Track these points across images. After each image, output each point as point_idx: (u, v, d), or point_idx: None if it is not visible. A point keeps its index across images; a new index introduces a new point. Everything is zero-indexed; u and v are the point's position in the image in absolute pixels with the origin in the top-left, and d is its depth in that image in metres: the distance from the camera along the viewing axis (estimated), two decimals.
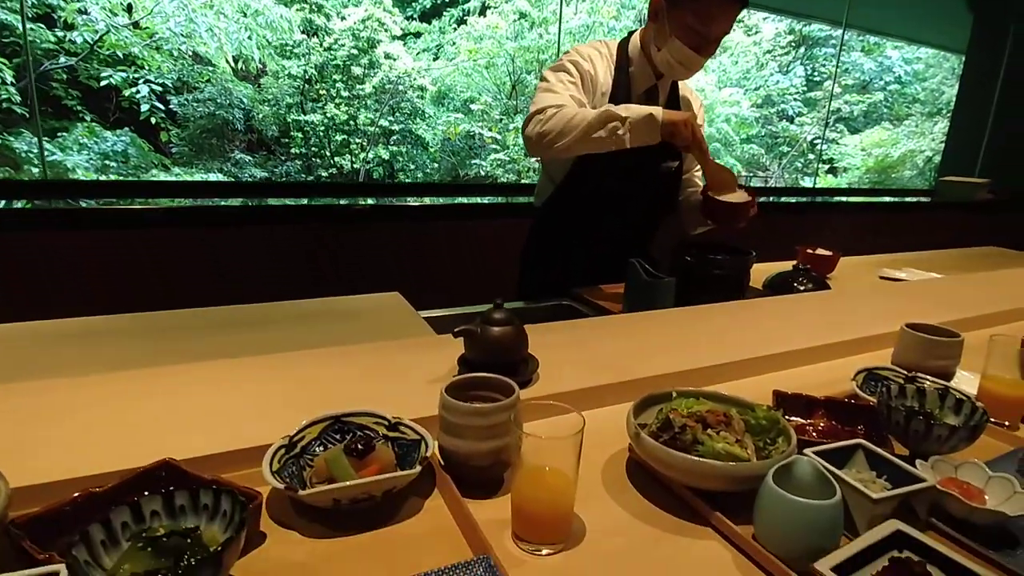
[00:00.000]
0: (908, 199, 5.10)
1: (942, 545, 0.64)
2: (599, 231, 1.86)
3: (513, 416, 0.74)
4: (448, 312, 1.61)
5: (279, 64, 4.19)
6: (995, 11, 5.03)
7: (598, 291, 1.80)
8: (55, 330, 1.32)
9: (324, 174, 4.53)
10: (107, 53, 3.55)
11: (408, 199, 3.08)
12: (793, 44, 6.57)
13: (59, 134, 3.60)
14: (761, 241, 1.89)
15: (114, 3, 3.48)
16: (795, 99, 6.65)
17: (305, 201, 2.77)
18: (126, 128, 3.76)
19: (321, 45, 4.22)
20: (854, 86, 6.95)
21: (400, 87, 4.57)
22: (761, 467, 0.71)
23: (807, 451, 0.76)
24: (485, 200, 3.20)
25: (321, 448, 0.79)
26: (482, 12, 4.77)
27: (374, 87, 4.45)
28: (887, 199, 5.03)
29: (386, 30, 4.37)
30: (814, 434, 0.94)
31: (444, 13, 4.72)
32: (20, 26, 2.98)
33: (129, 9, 3.52)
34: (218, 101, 4.04)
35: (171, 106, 3.87)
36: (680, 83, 1.81)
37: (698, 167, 1.92)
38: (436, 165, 4.99)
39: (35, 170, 3.30)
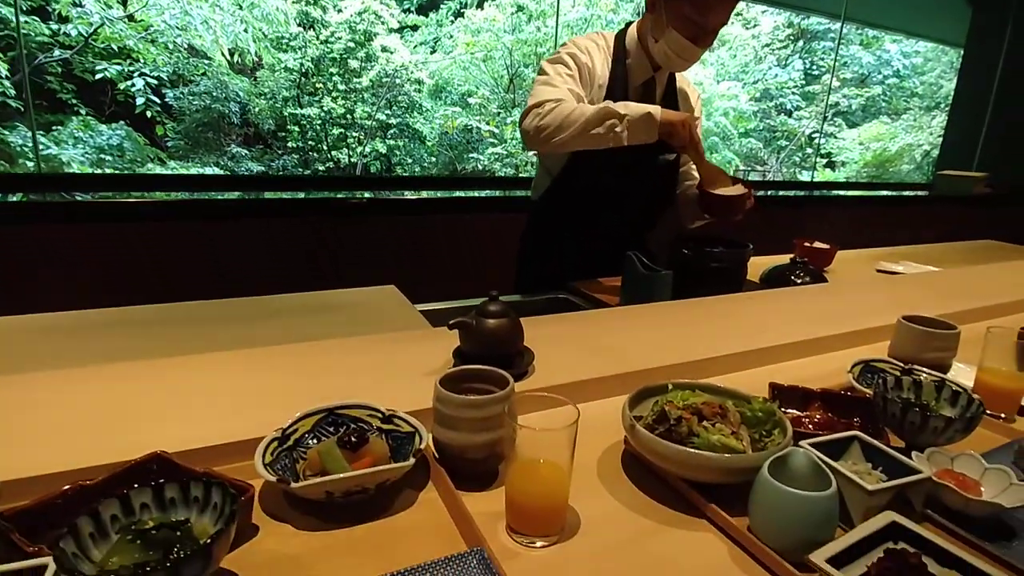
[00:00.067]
0: (906, 193, 5.10)
1: (938, 537, 0.64)
2: (596, 226, 1.85)
3: (507, 408, 0.74)
4: (444, 305, 1.61)
5: (275, 57, 4.16)
6: (994, 4, 5.02)
7: (595, 284, 1.80)
8: (49, 323, 1.31)
9: (321, 168, 4.51)
10: (102, 46, 3.52)
11: (405, 192, 3.07)
12: (792, 37, 6.55)
13: (54, 128, 3.57)
14: (759, 234, 1.89)
15: None
16: (793, 93, 6.64)
17: (302, 194, 2.76)
18: (121, 122, 3.74)
19: (317, 38, 4.20)
20: (852, 80, 6.93)
21: (397, 80, 4.55)
22: (756, 459, 0.71)
23: (803, 443, 0.76)
24: (483, 194, 3.19)
25: (314, 441, 0.78)
26: (479, 5, 4.75)
27: (371, 80, 4.43)
28: (885, 193, 5.03)
29: (383, 23, 4.35)
30: (810, 426, 0.94)
31: (441, 6, 4.70)
32: (14, 19, 2.96)
33: (124, 1, 3.50)
34: (214, 94, 4.02)
35: (167, 99, 3.85)
36: (678, 75, 1.80)
37: None
38: (433, 159, 4.97)
39: (30, 164, 3.29)
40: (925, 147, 7.08)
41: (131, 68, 3.61)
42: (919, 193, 5.15)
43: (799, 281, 1.85)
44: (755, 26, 6.42)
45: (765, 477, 0.67)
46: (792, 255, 2.00)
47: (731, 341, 1.25)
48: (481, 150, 5.02)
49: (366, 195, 2.80)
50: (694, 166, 1.90)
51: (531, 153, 4.68)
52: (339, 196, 2.74)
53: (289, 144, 4.40)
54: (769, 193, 4.25)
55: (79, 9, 3.36)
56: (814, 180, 6.50)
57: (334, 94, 4.37)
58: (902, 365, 1.11)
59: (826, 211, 4.20)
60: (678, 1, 1.53)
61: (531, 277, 1.93)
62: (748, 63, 6.48)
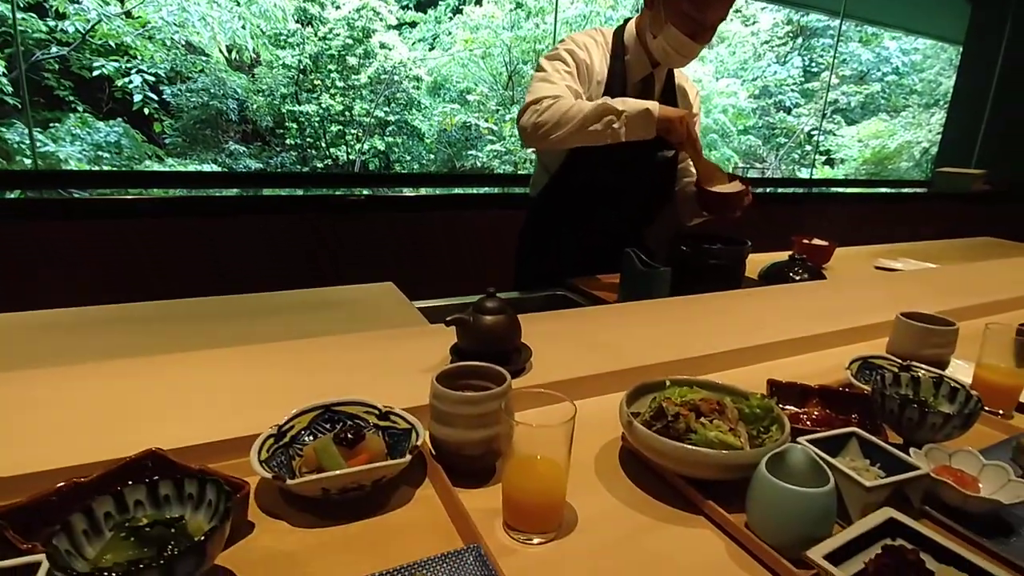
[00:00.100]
0: (904, 190, 5.10)
1: (936, 533, 0.64)
2: (594, 222, 1.85)
3: (504, 404, 0.73)
4: (442, 302, 1.60)
5: (273, 54, 4.15)
6: (993, 1, 5.01)
7: (593, 281, 1.80)
8: (46, 320, 1.30)
9: (320, 165, 4.50)
10: (99, 43, 3.51)
11: (404, 190, 3.06)
12: (791, 34, 6.55)
13: (51, 125, 3.56)
14: (758, 232, 1.88)
15: None
16: (792, 90, 6.63)
17: (301, 192, 2.75)
18: (119, 119, 3.73)
19: (316, 34, 4.19)
20: (851, 77, 6.93)
21: (396, 77, 4.54)
22: (754, 455, 0.71)
23: (801, 439, 0.75)
24: (481, 190, 3.18)
25: (311, 438, 0.78)
26: (478, 2, 4.74)
27: (369, 77, 4.42)
28: (883, 190, 5.03)
29: (381, 19, 4.34)
30: (808, 422, 0.94)
31: (440, 2, 4.69)
32: (11, 16, 2.94)
33: None
34: (212, 91, 4.01)
35: (164, 96, 3.84)
36: (676, 72, 1.79)
37: None
38: (432, 156, 4.96)
39: (27, 161, 3.28)
40: (924, 144, 7.08)
41: (128, 65, 3.60)
42: (918, 190, 5.15)
43: (797, 278, 1.85)
44: (754, 23, 6.42)
45: (763, 473, 0.67)
46: (791, 252, 2.00)
47: (729, 338, 1.24)
48: (480, 147, 5.01)
49: (365, 192, 2.80)
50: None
51: (529, 150, 4.68)
52: (338, 193, 2.74)
53: (287, 141, 4.39)
54: (768, 190, 4.25)
55: (76, 6, 3.35)
56: (813, 177, 6.50)
57: (332, 91, 4.36)
58: (900, 361, 1.11)
59: (825, 208, 4.20)
60: None
61: (530, 274, 1.93)
62: (747, 60, 6.48)
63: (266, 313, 1.43)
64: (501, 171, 4.99)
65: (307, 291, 1.57)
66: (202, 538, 0.49)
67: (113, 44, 3.54)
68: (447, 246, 2.80)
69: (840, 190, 4.86)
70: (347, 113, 4.47)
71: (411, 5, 4.60)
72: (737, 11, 6.09)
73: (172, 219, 2.29)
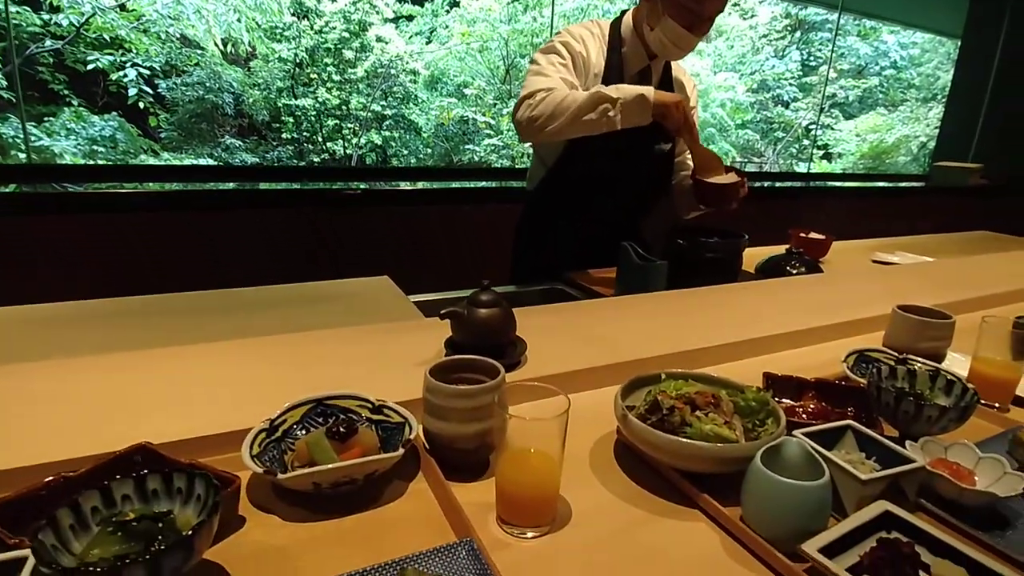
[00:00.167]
0: (902, 184, 5.10)
1: (931, 526, 0.64)
2: (590, 213, 1.84)
3: (498, 398, 0.73)
4: (438, 296, 1.60)
5: (269, 47, 4.13)
6: None
7: (590, 275, 1.79)
8: (40, 314, 1.30)
9: (316, 160, 4.48)
10: (94, 36, 3.48)
11: (401, 183, 3.05)
12: (789, 28, 6.52)
13: (46, 119, 3.54)
14: (755, 225, 1.88)
15: None
16: (790, 84, 6.62)
17: (297, 185, 2.74)
18: (114, 113, 3.70)
19: (312, 28, 4.16)
20: (849, 71, 6.91)
21: (392, 71, 4.52)
22: (749, 448, 0.70)
23: (796, 432, 0.75)
24: (479, 185, 3.17)
25: (303, 432, 0.78)
26: None
27: (366, 71, 4.39)
28: (881, 184, 5.02)
29: (378, 12, 4.31)
30: (804, 416, 0.93)
31: None
32: (4, 9, 2.92)
33: None
34: (207, 85, 3.98)
35: (159, 90, 3.81)
36: (673, 64, 1.78)
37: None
38: (429, 151, 4.94)
39: (22, 156, 3.26)
40: (921, 138, 7.07)
41: (123, 58, 3.57)
42: (915, 184, 5.14)
43: (794, 272, 1.85)
44: (752, 16, 6.39)
45: (758, 467, 0.67)
46: (788, 246, 2.00)
47: (726, 331, 1.24)
48: (477, 141, 4.99)
49: (361, 186, 2.78)
50: (689, 156, 1.90)
51: (527, 145, 4.67)
52: (335, 187, 2.73)
53: (284, 135, 4.37)
54: (766, 185, 4.25)
55: None
56: (811, 172, 6.49)
57: (328, 85, 4.34)
58: (896, 355, 1.10)
59: (822, 202, 4.19)
60: None
61: (526, 268, 1.92)
62: (745, 54, 6.45)
63: (261, 307, 1.42)
64: (498, 165, 4.97)
65: (302, 285, 1.56)
66: (189, 532, 0.49)
67: (108, 37, 3.51)
68: (444, 240, 2.79)
69: (837, 184, 4.86)
70: (344, 107, 4.44)
71: None
72: (735, 5, 6.07)
73: (168, 213, 2.27)
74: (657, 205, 1.97)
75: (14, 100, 3.19)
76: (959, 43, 5.37)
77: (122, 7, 3.51)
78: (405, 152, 4.80)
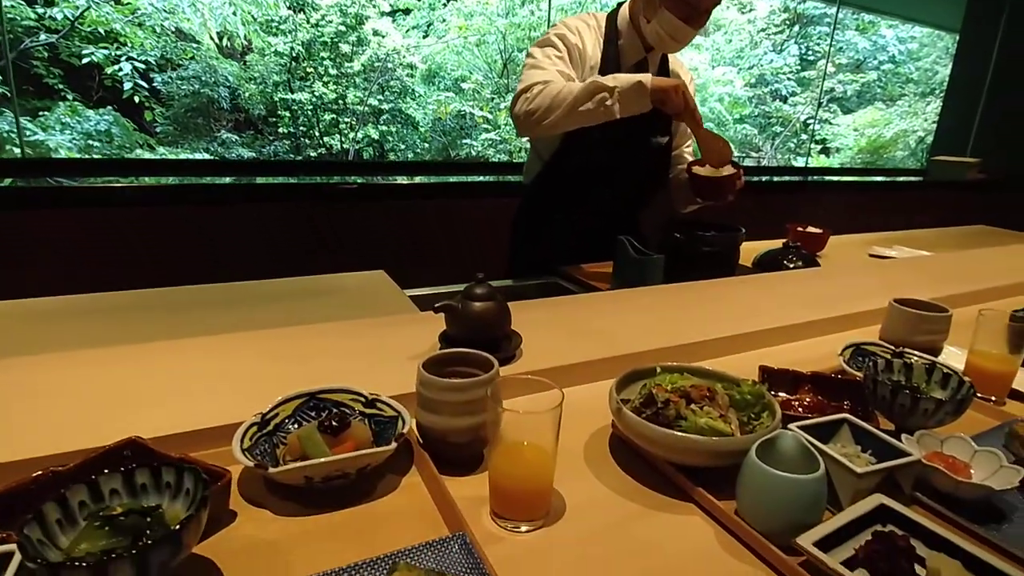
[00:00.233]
0: (900, 179, 5.09)
1: (926, 519, 0.63)
2: (587, 206, 1.83)
3: (491, 391, 0.72)
4: (434, 291, 1.59)
5: (265, 41, 4.10)
6: None
7: (587, 269, 1.78)
8: (34, 309, 1.29)
9: (313, 154, 4.46)
10: (88, 30, 3.45)
11: (399, 178, 3.04)
12: (787, 22, 6.49)
13: (41, 113, 3.51)
14: (752, 219, 1.88)
15: None
16: (789, 78, 6.59)
17: (294, 180, 2.73)
18: (109, 107, 3.67)
19: (308, 21, 4.13)
20: (848, 65, 6.89)
21: (389, 65, 4.49)
22: (744, 442, 0.70)
23: (791, 426, 0.75)
24: (476, 179, 3.16)
25: (295, 426, 0.77)
26: None
27: (363, 65, 4.36)
28: (879, 179, 5.02)
29: (374, 6, 4.28)
30: (799, 409, 0.93)
31: None
32: None
33: None
34: (203, 79, 3.95)
35: (155, 84, 3.78)
36: (671, 58, 1.77)
37: (688, 143, 1.90)
38: (427, 145, 4.92)
39: (16, 151, 3.24)
40: (920, 133, 7.06)
41: (118, 52, 3.54)
42: (913, 179, 5.14)
43: (791, 265, 1.84)
44: (751, 10, 6.36)
45: (753, 460, 0.66)
46: (785, 240, 1.99)
47: (722, 325, 1.24)
48: (475, 136, 4.97)
49: (358, 180, 2.77)
50: (687, 150, 1.89)
51: (524, 139, 4.65)
52: (332, 181, 2.72)
53: (280, 130, 4.34)
54: (764, 179, 4.24)
55: None
56: (808, 166, 6.48)
57: (325, 79, 4.31)
58: (893, 348, 1.10)
59: (820, 197, 4.19)
60: None
61: (523, 262, 1.92)
62: (743, 48, 6.43)
63: (255, 301, 1.42)
64: (496, 160, 4.95)
65: (297, 279, 1.55)
66: (177, 527, 0.48)
67: (102, 31, 3.48)
68: (441, 235, 2.78)
69: (835, 179, 4.85)
70: (340, 101, 4.42)
71: None
72: None
73: (164, 207, 2.26)
74: (654, 199, 1.96)
75: (8, 94, 3.16)
76: (957, 38, 5.36)
77: (117, 0, 3.48)
78: (402, 146, 4.78)
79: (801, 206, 3.91)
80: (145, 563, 0.46)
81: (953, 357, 1.16)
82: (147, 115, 3.85)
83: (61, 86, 3.54)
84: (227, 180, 2.60)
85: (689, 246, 1.67)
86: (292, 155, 4.39)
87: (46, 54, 3.42)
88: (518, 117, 1.55)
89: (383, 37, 4.37)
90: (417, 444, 0.78)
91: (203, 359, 0.99)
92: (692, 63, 5.74)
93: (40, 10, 3.28)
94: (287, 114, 4.32)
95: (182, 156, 3.97)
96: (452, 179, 3.11)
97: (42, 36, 3.35)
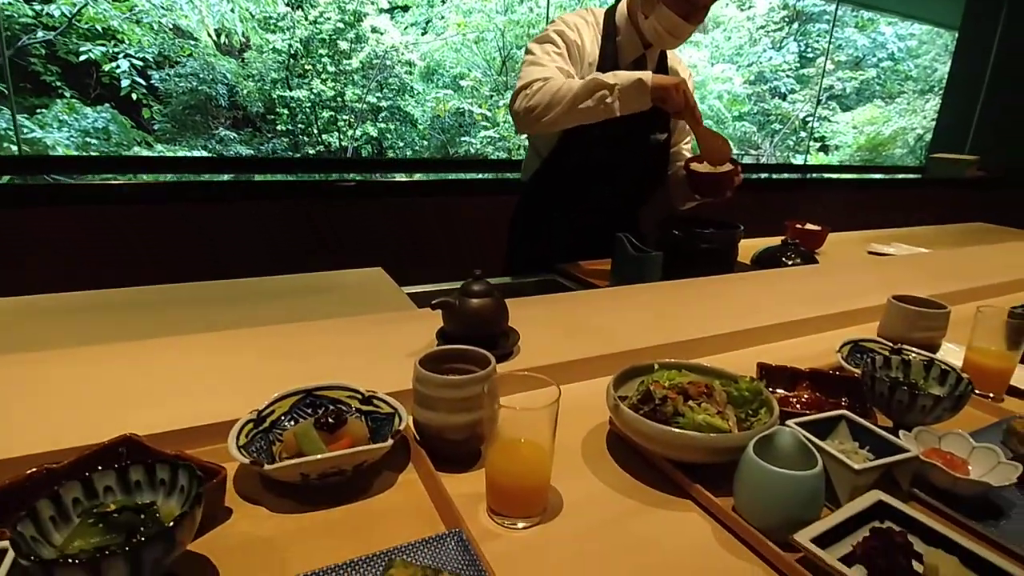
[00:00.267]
0: (898, 176, 5.09)
1: (924, 515, 0.63)
2: (586, 203, 1.83)
3: (488, 388, 0.72)
4: (432, 288, 1.59)
5: (263, 38, 4.09)
6: None
7: (585, 266, 1.78)
8: (31, 306, 1.29)
9: (311, 152, 4.45)
10: (86, 27, 3.45)
11: (397, 175, 3.03)
12: (787, 19, 6.49)
13: (38, 111, 3.51)
14: (751, 217, 1.87)
15: None
16: (788, 76, 6.59)
17: (293, 177, 2.72)
18: (107, 104, 3.67)
19: (306, 18, 4.13)
20: (847, 63, 6.89)
21: (388, 62, 4.49)
22: (742, 438, 0.70)
23: (789, 422, 0.74)
24: (475, 176, 3.16)
25: (292, 423, 0.77)
26: None
27: (361, 62, 4.36)
28: (878, 176, 5.01)
29: (373, 3, 4.28)
30: (797, 406, 0.93)
31: None
32: None
33: None
34: (201, 76, 3.95)
35: (152, 82, 3.78)
36: (669, 54, 1.77)
37: (687, 140, 1.89)
38: (425, 142, 4.91)
39: (13, 148, 3.23)
40: (918, 130, 7.06)
41: (116, 49, 3.53)
42: (912, 176, 5.14)
43: (790, 263, 1.84)
44: (750, 7, 6.36)
45: (750, 456, 0.66)
46: (784, 237, 1.99)
47: (721, 322, 1.23)
48: (474, 133, 4.96)
49: (357, 178, 2.77)
50: (686, 147, 1.89)
51: (523, 137, 4.65)
52: (330, 179, 2.71)
53: (278, 127, 4.33)
54: (762, 176, 4.23)
55: None
56: (807, 163, 6.48)
57: (323, 76, 4.31)
58: (891, 345, 1.10)
59: (819, 194, 4.18)
60: None
61: (522, 259, 1.91)
62: (743, 45, 6.42)
63: (253, 298, 1.42)
64: (495, 157, 4.95)
65: (295, 276, 1.55)
66: (171, 524, 0.48)
67: (100, 28, 3.47)
68: (440, 232, 2.77)
69: (834, 176, 4.85)
70: (339, 99, 4.41)
71: None
72: None
73: (162, 205, 2.26)
74: (653, 196, 1.95)
75: (5, 92, 3.16)
76: (957, 35, 5.35)
77: None
78: (401, 144, 4.77)
79: (800, 203, 3.91)
80: (139, 560, 0.46)
81: (951, 354, 1.16)
82: (145, 112, 3.84)
83: (58, 83, 3.53)
84: (225, 177, 2.59)
85: (688, 243, 1.67)
86: (290, 152, 4.38)
87: (43, 51, 3.42)
88: (517, 114, 1.54)
89: (381, 34, 4.37)
90: (414, 441, 0.77)
91: (200, 356, 0.99)
92: (691, 60, 5.73)
93: (37, 7, 3.27)
94: (285, 111, 4.32)
95: (180, 153, 3.97)
96: (450, 176, 3.10)
97: (39, 33, 3.35)
